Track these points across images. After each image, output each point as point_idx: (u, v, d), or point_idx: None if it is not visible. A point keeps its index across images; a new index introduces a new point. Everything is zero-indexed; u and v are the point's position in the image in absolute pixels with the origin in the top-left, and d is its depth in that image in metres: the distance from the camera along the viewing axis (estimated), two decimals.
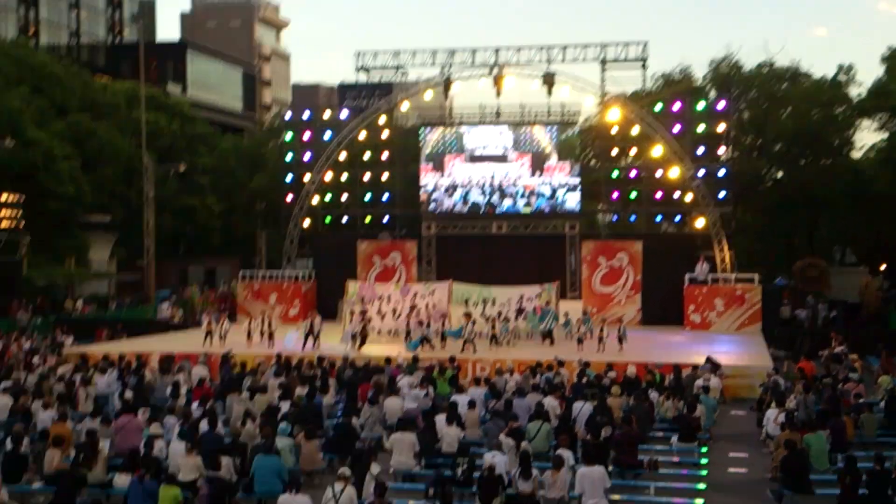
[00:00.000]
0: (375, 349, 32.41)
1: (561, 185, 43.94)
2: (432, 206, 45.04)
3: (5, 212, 45.08)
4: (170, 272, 62.14)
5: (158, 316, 44.18)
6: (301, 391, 22.79)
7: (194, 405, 21.48)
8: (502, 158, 44.31)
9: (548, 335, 34.43)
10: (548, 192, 43.99)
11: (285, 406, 21.24)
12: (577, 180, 44.03)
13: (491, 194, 44.43)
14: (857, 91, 54.13)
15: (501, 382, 24.75)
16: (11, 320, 41.58)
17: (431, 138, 45.23)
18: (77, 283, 53.52)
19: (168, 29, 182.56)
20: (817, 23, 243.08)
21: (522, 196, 44.19)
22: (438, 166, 44.87)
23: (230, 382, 24.36)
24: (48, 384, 24.15)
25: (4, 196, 45.60)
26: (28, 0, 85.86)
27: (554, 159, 43.96)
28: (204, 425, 18.87)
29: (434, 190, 44.90)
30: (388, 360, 27.56)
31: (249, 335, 34.78)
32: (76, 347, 34.64)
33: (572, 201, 43.93)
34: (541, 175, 44.07)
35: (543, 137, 44.22)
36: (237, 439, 18.55)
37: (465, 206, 44.69)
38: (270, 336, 34.48)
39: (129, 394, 23.15)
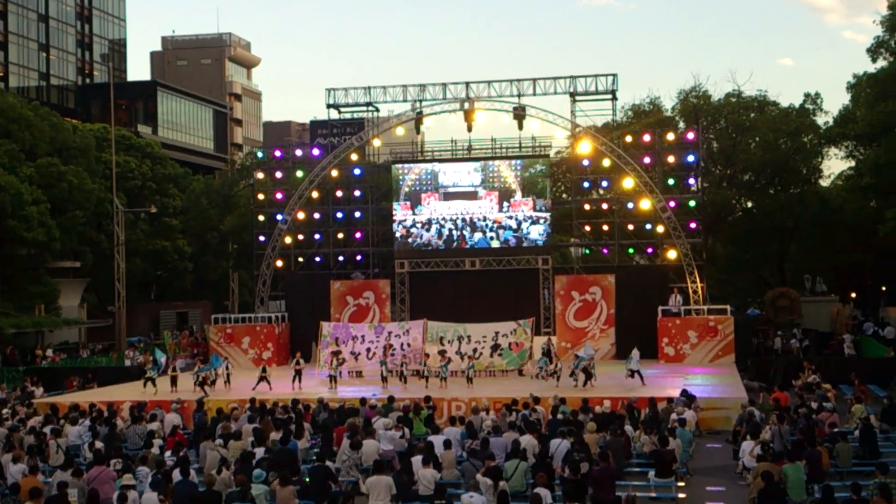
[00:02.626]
0: (350, 390, 32.20)
1: (525, 218, 44.01)
2: (409, 239, 44.94)
3: None
4: (141, 317, 61.75)
5: (126, 363, 43.53)
6: (275, 436, 22.57)
7: (167, 453, 21.23)
8: (472, 195, 44.42)
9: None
10: (514, 226, 44.04)
11: (260, 452, 21.03)
12: (540, 214, 44.04)
13: (462, 228, 44.47)
14: (823, 119, 54.79)
15: (478, 421, 24.62)
16: None
17: (409, 177, 45.26)
18: (47, 331, 52.94)
19: (138, 68, 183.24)
20: (784, 52, 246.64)
21: (491, 230, 44.24)
22: (416, 204, 44.89)
23: (203, 429, 24.11)
24: (18, 436, 23.80)
25: None
26: None
27: (518, 195, 44.07)
28: (177, 474, 18.65)
29: (412, 225, 44.86)
30: (362, 402, 27.38)
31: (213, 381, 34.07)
32: (46, 398, 34.17)
33: (536, 233, 43.96)
34: (507, 210, 44.14)
35: (509, 175, 44.36)
36: (211, 488, 18.31)
37: (440, 241, 44.63)
38: (228, 380, 34.27)
39: (100, 444, 22.83)
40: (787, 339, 41.79)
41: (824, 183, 57.47)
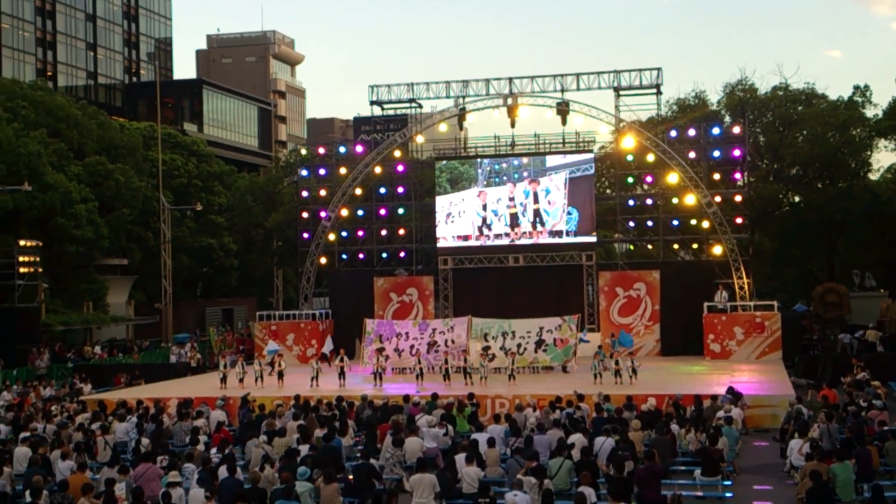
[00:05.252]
0: (394, 387, 32.25)
1: (570, 213, 43.71)
2: (450, 240, 44.85)
3: (24, 257, 44.79)
4: (187, 314, 62.28)
5: (172, 360, 43.84)
6: (320, 433, 22.63)
7: (213, 450, 21.37)
8: (516, 189, 44.18)
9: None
10: (559, 223, 43.72)
11: (304, 449, 21.07)
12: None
13: (508, 225, 44.20)
14: (873, 112, 54.02)
15: (521, 419, 24.51)
16: (30, 367, 41.38)
17: (449, 171, 45.23)
18: (95, 328, 53.58)
19: (184, 67, 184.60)
20: (831, 45, 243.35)
21: (536, 225, 43.94)
22: (457, 199, 44.75)
23: (248, 426, 24.25)
24: (66, 433, 24.06)
25: (23, 241, 45.49)
26: (46, 42, 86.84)
27: (564, 190, 43.71)
28: (223, 471, 18.75)
29: (452, 221, 44.77)
30: (406, 399, 27.37)
31: (257, 378, 34.47)
32: (94, 394, 34.56)
33: (582, 230, 43.66)
34: (552, 205, 43.85)
35: (555, 168, 44.03)
36: (256, 485, 18.40)
37: (483, 238, 44.46)
38: (281, 376, 34.44)
39: (146, 441, 23.04)
40: (834, 336, 41.25)
41: (873, 176, 56.69)
